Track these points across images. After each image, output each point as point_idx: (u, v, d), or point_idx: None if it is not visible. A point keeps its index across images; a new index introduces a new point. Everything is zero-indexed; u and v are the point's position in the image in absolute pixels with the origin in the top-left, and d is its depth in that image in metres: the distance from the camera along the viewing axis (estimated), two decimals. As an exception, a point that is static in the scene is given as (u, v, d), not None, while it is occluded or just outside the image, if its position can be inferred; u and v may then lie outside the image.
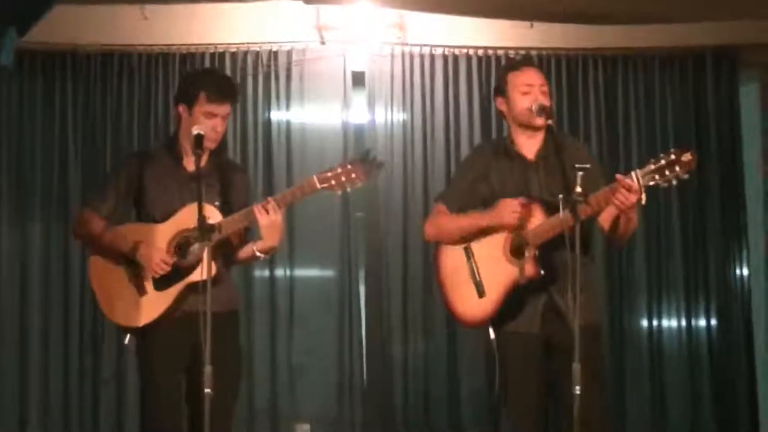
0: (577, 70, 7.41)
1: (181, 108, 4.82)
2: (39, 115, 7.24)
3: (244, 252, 4.88)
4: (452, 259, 4.87)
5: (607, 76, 7.46)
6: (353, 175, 4.62)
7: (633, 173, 4.43)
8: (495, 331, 4.76)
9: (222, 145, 5.01)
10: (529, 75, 4.86)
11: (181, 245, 4.70)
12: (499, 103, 4.90)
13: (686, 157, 4.38)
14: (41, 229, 7.18)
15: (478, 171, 4.91)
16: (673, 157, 4.39)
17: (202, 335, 4.15)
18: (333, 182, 4.62)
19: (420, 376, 7.19)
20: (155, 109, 7.23)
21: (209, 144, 4.73)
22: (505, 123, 4.95)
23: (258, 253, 4.82)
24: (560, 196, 4.55)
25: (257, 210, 4.61)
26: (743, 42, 7.38)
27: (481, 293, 4.76)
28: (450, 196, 5.00)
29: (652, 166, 4.41)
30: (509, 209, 4.66)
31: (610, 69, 7.47)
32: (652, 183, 4.42)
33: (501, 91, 4.88)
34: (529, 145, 4.80)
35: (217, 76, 5.07)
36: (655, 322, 7.30)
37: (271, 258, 7.01)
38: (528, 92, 4.79)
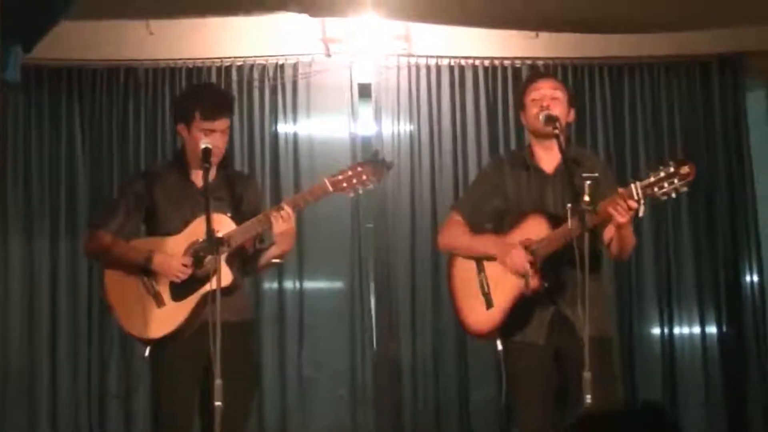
0: (583, 79, 7.40)
1: (180, 127, 4.85)
2: (46, 131, 7.25)
3: (263, 261, 4.90)
4: (464, 270, 4.88)
5: (613, 85, 7.46)
6: (364, 177, 4.65)
7: (632, 185, 4.44)
8: (503, 342, 4.77)
9: (227, 158, 5.02)
10: (540, 85, 4.88)
11: (196, 256, 4.70)
12: (521, 118, 4.93)
13: (685, 169, 4.39)
14: (49, 244, 7.18)
15: (495, 182, 4.93)
16: (672, 169, 4.40)
17: (212, 348, 4.16)
18: (344, 184, 4.64)
19: (430, 385, 7.17)
20: (162, 123, 7.24)
21: (213, 159, 4.74)
22: (525, 135, 4.98)
23: (274, 260, 4.85)
24: (568, 205, 4.55)
25: (273, 218, 4.63)
26: (749, 49, 7.37)
27: (489, 304, 4.77)
28: (466, 206, 5.02)
29: (652, 179, 4.43)
30: (519, 262, 4.66)
31: (615, 78, 7.47)
32: (650, 195, 4.43)
33: (521, 105, 4.91)
34: (548, 159, 4.80)
35: (209, 92, 5.07)
36: (666, 330, 7.28)
37: (281, 269, 7.04)
38: (539, 102, 4.81)
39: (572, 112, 4.93)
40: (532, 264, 4.66)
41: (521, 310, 4.72)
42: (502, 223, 4.90)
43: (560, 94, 4.84)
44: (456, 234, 4.94)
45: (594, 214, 4.41)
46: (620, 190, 4.49)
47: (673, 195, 4.44)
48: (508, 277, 4.73)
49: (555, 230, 4.62)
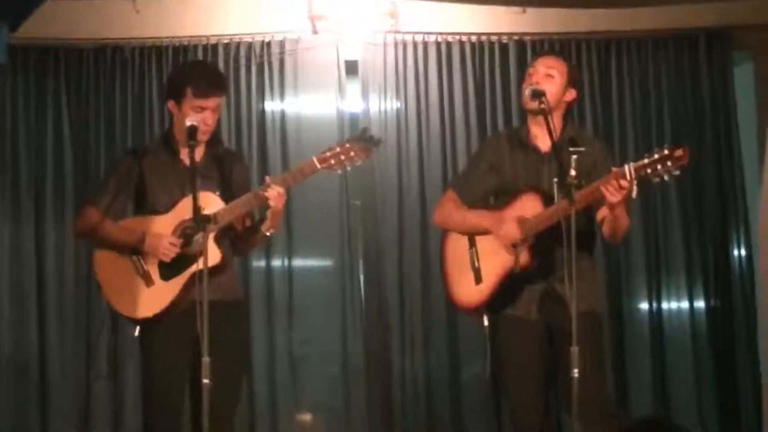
0: (571, 54, 7.35)
1: (171, 104, 4.86)
2: (32, 110, 7.21)
3: (257, 237, 4.91)
4: (456, 245, 4.92)
5: (600, 60, 7.43)
6: (352, 154, 4.67)
7: (626, 166, 4.46)
8: (491, 317, 4.79)
9: (217, 136, 5.04)
10: (537, 61, 4.92)
11: (184, 235, 4.73)
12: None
13: (678, 153, 4.41)
14: (35, 225, 7.14)
15: (491, 161, 4.95)
16: (666, 152, 4.42)
17: (199, 326, 4.18)
18: (332, 161, 4.68)
19: (420, 362, 7.17)
20: (149, 101, 7.21)
21: (201, 136, 4.76)
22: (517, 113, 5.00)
23: (266, 233, 4.86)
24: (554, 180, 4.58)
25: (269, 194, 4.64)
26: (736, 23, 7.36)
27: (478, 280, 4.79)
28: (461, 184, 5.05)
29: (646, 160, 4.46)
30: (512, 234, 4.68)
31: (603, 53, 7.44)
32: (643, 176, 4.44)
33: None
34: (544, 137, 4.79)
35: (202, 70, 5.11)
36: (655, 305, 7.28)
37: (269, 248, 7.03)
38: (532, 78, 4.83)
39: (572, 92, 4.91)
40: (523, 240, 4.68)
41: (511, 285, 4.75)
42: (497, 200, 4.93)
43: (555, 73, 4.86)
44: (449, 211, 4.97)
45: (579, 189, 4.43)
46: (613, 169, 4.51)
47: (666, 178, 4.46)
48: (499, 253, 4.75)
49: (547, 209, 4.64)
